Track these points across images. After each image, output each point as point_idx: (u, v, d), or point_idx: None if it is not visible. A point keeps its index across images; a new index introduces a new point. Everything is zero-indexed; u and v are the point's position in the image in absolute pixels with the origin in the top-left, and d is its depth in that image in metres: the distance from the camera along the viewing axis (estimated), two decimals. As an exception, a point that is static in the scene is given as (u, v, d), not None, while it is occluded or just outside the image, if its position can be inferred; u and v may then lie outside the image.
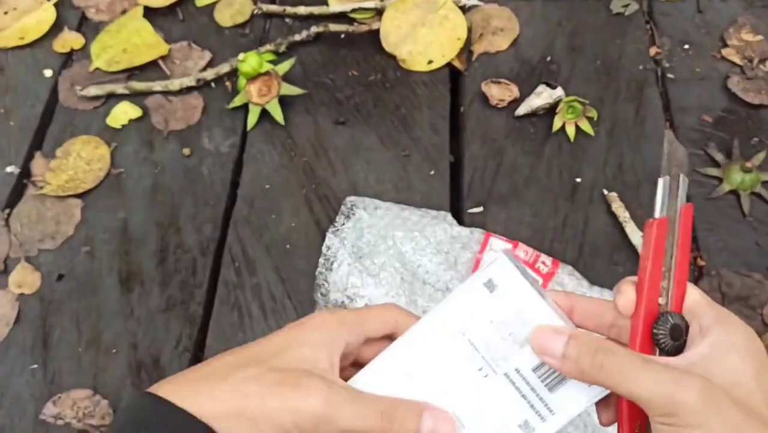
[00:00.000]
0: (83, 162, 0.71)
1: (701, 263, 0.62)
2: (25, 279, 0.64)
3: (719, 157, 0.68)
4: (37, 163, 0.72)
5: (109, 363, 0.60)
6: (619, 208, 0.64)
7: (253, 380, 0.32)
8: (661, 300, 0.33)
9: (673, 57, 0.75)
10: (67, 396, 0.58)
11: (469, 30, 0.77)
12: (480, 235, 0.61)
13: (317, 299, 0.60)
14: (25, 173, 0.71)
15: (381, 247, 0.61)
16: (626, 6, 0.79)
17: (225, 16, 0.81)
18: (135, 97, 0.75)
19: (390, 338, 0.36)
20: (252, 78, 0.71)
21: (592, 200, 0.66)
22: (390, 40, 0.77)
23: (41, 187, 0.69)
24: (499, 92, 0.73)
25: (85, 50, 0.80)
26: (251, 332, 0.60)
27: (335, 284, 0.60)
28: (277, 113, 0.71)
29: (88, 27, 0.82)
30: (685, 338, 0.32)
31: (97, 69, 0.78)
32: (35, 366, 0.60)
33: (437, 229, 0.61)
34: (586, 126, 0.69)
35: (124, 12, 0.82)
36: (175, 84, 0.75)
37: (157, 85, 0.75)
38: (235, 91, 0.75)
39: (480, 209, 0.66)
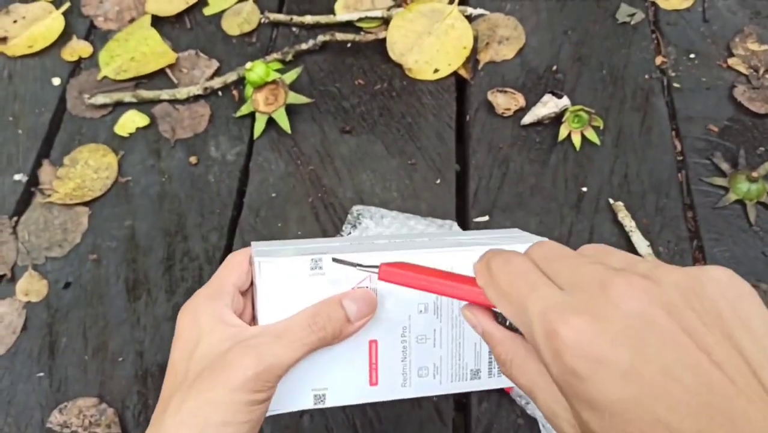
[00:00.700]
0: (91, 170, 0.71)
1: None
2: (32, 287, 0.65)
3: (725, 166, 0.68)
4: (45, 171, 0.72)
5: (115, 371, 0.60)
6: (625, 217, 0.64)
7: (192, 399, 0.33)
8: None
9: (679, 66, 0.75)
10: (74, 404, 0.58)
11: (475, 39, 0.78)
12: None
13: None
14: (33, 181, 0.72)
15: (387, 256, 0.61)
16: (632, 15, 0.79)
17: (232, 25, 0.82)
18: (142, 105, 0.76)
19: None
20: (259, 87, 0.72)
21: (598, 209, 0.66)
22: (396, 49, 0.77)
23: (49, 195, 0.70)
24: (505, 101, 0.73)
25: (93, 59, 0.80)
26: (257, 340, 0.60)
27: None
28: (284, 122, 0.71)
29: (96, 36, 0.83)
30: None
31: (105, 77, 0.78)
32: (41, 374, 0.60)
33: (443, 238, 0.61)
34: (591, 135, 0.69)
35: (132, 21, 0.83)
36: (182, 93, 0.75)
37: (165, 94, 0.76)
38: (242, 100, 0.75)
39: (486, 218, 0.66)
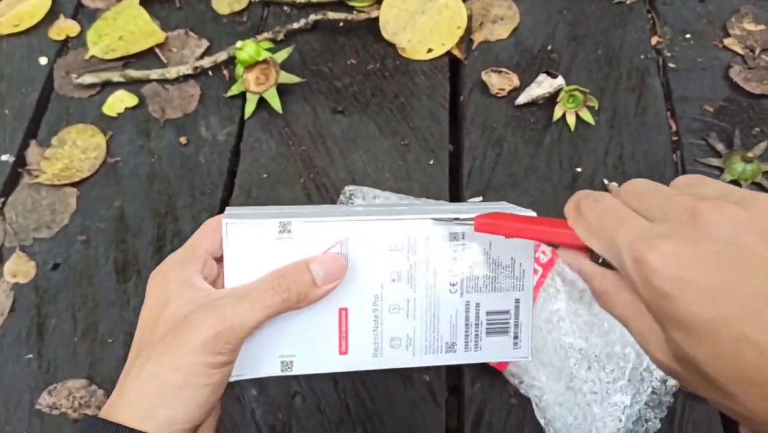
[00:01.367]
0: (79, 150, 0.70)
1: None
2: (19, 268, 0.64)
3: (720, 147, 0.67)
4: (32, 152, 0.71)
5: (105, 353, 0.59)
6: (619, 198, 0.63)
7: (153, 361, 0.32)
8: None
9: (674, 46, 0.75)
10: (63, 386, 0.57)
11: (469, 18, 0.77)
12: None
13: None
14: (20, 162, 0.71)
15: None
16: (627, -5, 0.78)
17: (222, 4, 0.81)
18: (131, 85, 0.74)
19: None
20: (249, 66, 0.71)
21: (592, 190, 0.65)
22: (389, 29, 0.76)
23: (36, 176, 0.69)
24: (499, 81, 0.72)
25: (80, 38, 0.79)
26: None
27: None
28: (275, 102, 0.70)
29: (84, 14, 0.81)
30: None
31: (93, 57, 0.77)
32: (30, 356, 0.59)
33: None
34: (586, 115, 0.69)
35: (120, 0, 0.81)
36: (171, 72, 0.74)
37: (154, 74, 0.74)
38: (233, 80, 0.74)
39: (479, 199, 0.65)
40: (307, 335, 0.37)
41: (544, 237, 0.34)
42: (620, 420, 0.51)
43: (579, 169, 0.67)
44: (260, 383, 0.57)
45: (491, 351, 0.39)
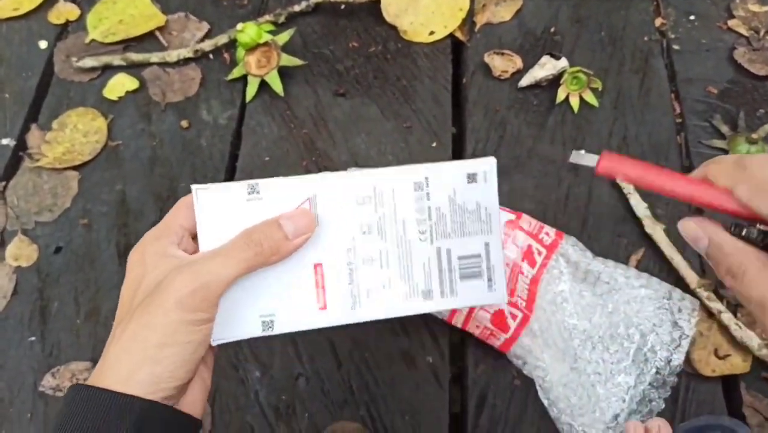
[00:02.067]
0: (80, 134, 0.70)
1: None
2: (21, 252, 0.64)
3: (725, 129, 0.67)
4: (33, 136, 0.70)
5: (107, 335, 0.58)
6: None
7: (132, 324, 0.33)
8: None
9: (678, 28, 0.74)
10: (66, 368, 0.57)
11: (472, 0, 0.76)
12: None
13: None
14: (21, 146, 0.70)
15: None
16: (631, -24, 0.77)
17: (223, -13, 0.80)
18: (132, 68, 0.74)
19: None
20: (251, 49, 0.70)
21: (595, 172, 0.65)
22: (391, 11, 0.75)
23: (37, 160, 0.68)
24: (502, 63, 0.71)
25: (80, 21, 0.78)
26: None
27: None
28: (277, 85, 0.70)
29: (83, -2, 0.81)
30: None
31: (93, 40, 0.76)
32: (33, 339, 0.59)
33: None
34: (590, 97, 0.68)
35: (119, -18, 0.81)
36: (172, 56, 0.74)
37: (154, 57, 0.74)
38: (234, 63, 0.73)
39: (482, 181, 0.65)
40: (285, 293, 0.38)
41: (678, 191, 0.30)
42: (624, 400, 0.51)
43: (582, 152, 0.66)
44: (264, 364, 0.57)
45: (467, 296, 0.40)
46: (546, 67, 0.69)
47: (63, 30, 0.78)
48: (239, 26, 0.69)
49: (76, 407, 0.31)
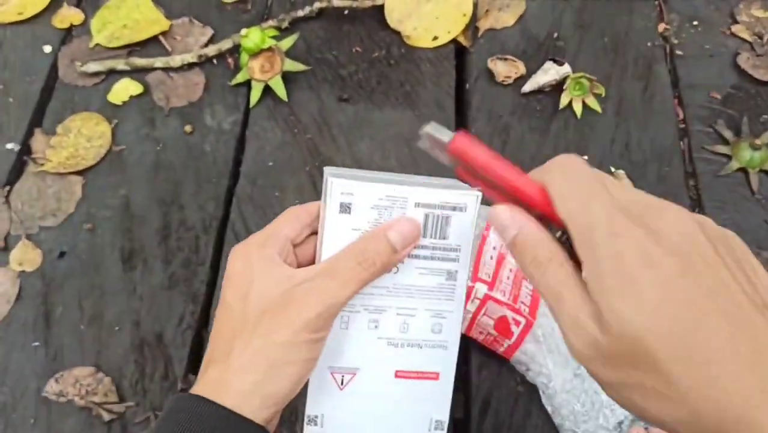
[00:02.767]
0: (84, 139, 0.70)
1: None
2: (26, 256, 0.64)
3: (728, 134, 0.67)
4: (37, 140, 0.71)
5: (111, 341, 0.59)
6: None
7: (257, 339, 0.34)
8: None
9: (681, 33, 0.74)
10: (70, 374, 0.57)
11: (475, 6, 0.76)
12: (486, 211, 0.60)
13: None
14: (25, 150, 0.70)
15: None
16: (634, -18, 0.78)
17: (226, -8, 0.80)
18: (136, 73, 0.74)
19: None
20: (254, 54, 0.70)
21: (599, 178, 0.65)
22: (394, 16, 0.75)
23: (41, 165, 0.68)
24: (506, 69, 0.72)
25: (85, 26, 0.79)
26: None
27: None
28: (280, 90, 0.70)
29: (87, 2, 0.81)
30: None
31: (97, 45, 0.76)
32: (37, 344, 0.59)
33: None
34: (593, 103, 0.68)
35: (123, -13, 0.81)
36: (176, 60, 0.74)
37: (158, 62, 0.74)
38: (238, 68, 0.74)
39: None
40: None
41: (508, 179, 0.32)
42: (627, 407, 0.51)
43: (585, 157, 0.66)
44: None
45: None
46: (549, 73, 0.69)
47: (67, 34, 0.79)
48: (243, 31, 0.69)
49: (196, 422, 0.32)
